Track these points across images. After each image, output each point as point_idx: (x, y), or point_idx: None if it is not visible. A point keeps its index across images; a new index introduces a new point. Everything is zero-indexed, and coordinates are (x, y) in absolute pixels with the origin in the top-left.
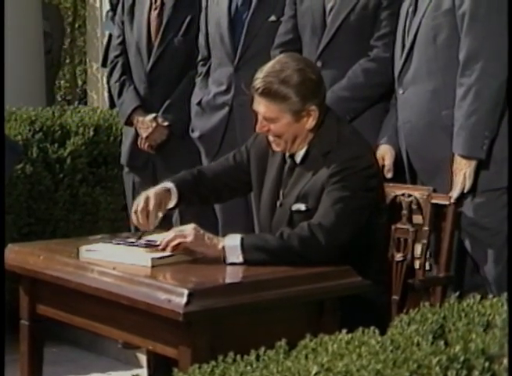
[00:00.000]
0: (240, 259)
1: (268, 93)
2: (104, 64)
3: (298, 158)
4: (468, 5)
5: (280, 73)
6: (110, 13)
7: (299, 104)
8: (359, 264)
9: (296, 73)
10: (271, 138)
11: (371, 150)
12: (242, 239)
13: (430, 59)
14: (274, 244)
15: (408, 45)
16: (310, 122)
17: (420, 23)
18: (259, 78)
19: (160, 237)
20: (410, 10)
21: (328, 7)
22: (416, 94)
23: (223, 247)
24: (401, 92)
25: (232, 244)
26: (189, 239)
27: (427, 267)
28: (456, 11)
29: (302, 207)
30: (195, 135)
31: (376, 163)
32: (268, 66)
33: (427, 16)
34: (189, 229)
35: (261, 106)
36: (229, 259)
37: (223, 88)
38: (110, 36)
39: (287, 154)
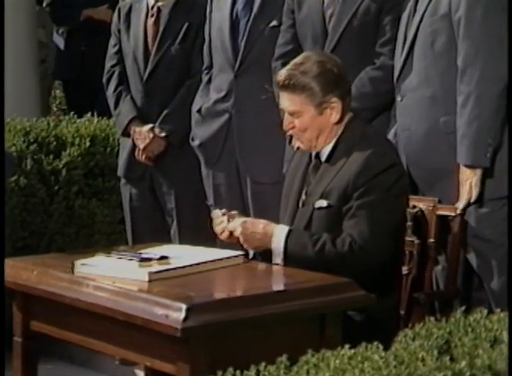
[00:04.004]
0: (281, 263)
1: (288, 84)
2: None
3: (323, 156)
4: (463, 10)
5: (300, 65)
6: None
7: (320, 95)
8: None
9: (316, 64)
10: (295, 136)
11: (394, 149)
12: (285, 244)
13: (428, 65)
14: (312, 256)
15: (406, 51)
16: (334, 116)
17: (417, 28)
18: (281, 72)
19: (156, 251)
20: (410, 17)
21: (328, 14)
22: (415, 101)
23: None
24: (399, 99)
25: (276, 247)
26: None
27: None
28: (453, 16)
29: (324, 203)
30: (195, 143)
31: (399, 161)
32: (291, 62)
33: (425, 21)
34: (239, 227)
35: (284, 100)
36: (274, 260)
37: (223, 94)
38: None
39: (313, 154)
